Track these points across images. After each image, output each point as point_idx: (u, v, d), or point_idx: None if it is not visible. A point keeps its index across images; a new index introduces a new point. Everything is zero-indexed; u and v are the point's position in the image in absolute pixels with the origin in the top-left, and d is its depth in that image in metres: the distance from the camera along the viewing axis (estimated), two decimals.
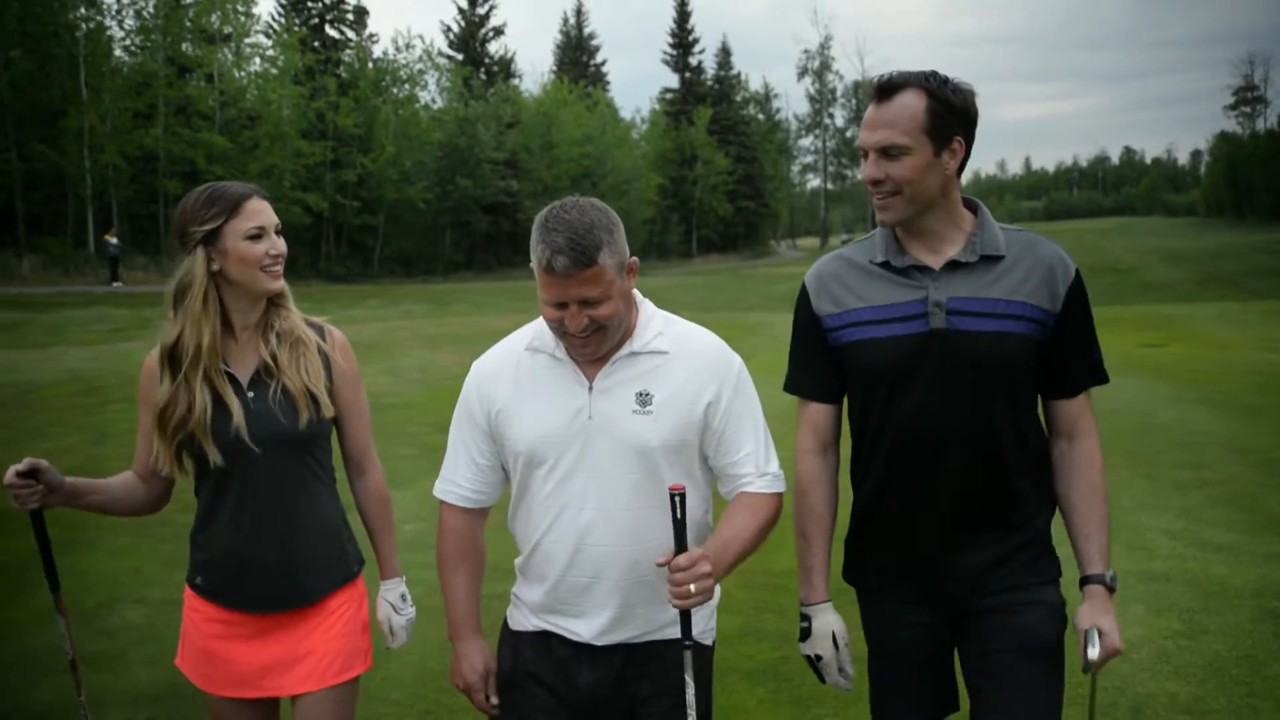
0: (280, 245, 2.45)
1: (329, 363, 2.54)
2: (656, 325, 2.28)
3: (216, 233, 2.38)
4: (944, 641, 2.37)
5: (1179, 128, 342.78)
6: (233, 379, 2.45)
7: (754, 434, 2.30)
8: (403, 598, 2.63)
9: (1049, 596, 2.29)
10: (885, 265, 2.29)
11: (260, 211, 2.42)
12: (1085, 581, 2.27)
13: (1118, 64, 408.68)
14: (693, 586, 2.02)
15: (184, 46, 36.58)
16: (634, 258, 2.21)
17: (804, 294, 2.41)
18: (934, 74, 2.19)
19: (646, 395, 2.21)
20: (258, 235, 2.40)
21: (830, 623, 2.39)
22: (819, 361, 2.39)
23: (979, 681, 2.29)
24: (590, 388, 2.22)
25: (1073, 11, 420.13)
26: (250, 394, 2.44)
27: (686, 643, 2.11)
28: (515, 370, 2.31)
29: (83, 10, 34.59)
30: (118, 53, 34.64)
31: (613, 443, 2.20)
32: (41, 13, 32.78)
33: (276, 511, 2.46)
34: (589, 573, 2.24)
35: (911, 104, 2.15)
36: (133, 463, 2.57)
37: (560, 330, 2.17)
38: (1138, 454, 8.46)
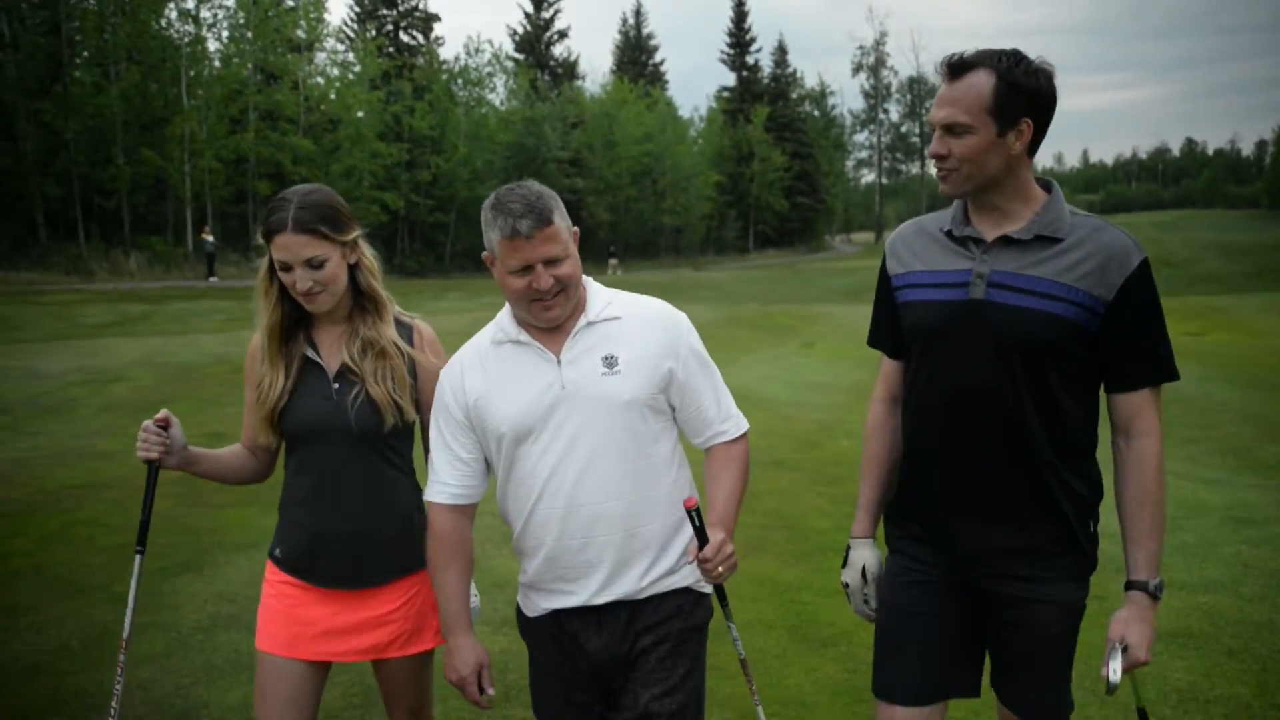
0: (305, 281, 2.47)
1: (415, 364, 2.60)
2: (605, 296, 2.43)
3: (267, 244, 2.51)
4: (960, 614, 2.39)
5: (1244, 117, 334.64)
6: (320, 368, 2.57)
7: (710, 382, 2.47)
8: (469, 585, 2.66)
9: (1062, 594, 2.29)
10: (949, 234, 2.34)
11: (287, 247, 2.45)
12: (1128, 586, 2.26)
13: (1180, 52, 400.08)
14: (722, 567, 2.25)
15: (271, 56, 38.63)
16: (575, 228, 2.37)
17: (884, 254, 2.53)
18: (1010, 53, 2.19)
19: (612, 358, 2.34)
20: (285, 268, 2.48)
21: (864, 557, 2.53)
22: (889, 318, 2.49)
23: (994, 674, 2.41)
24: (558, 361, 2.35)
25: (1136, 1, 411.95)
26: (336, 385, 2.54)
27: (725, 603, 2.49)
28: (484, 363, 2.41)
29: (181, 26, 36.91)
30: (214, 63, 36.73)
31: (588, 406, 2.32)
32: (149, 29, 35.10)
33: (350, 496, 2.55)
34: (581, 533, 2.34)
35: (979, 83, 2.16)
36: (242, 437, 2.72)
37: (528, 295, 2.28)
38: None
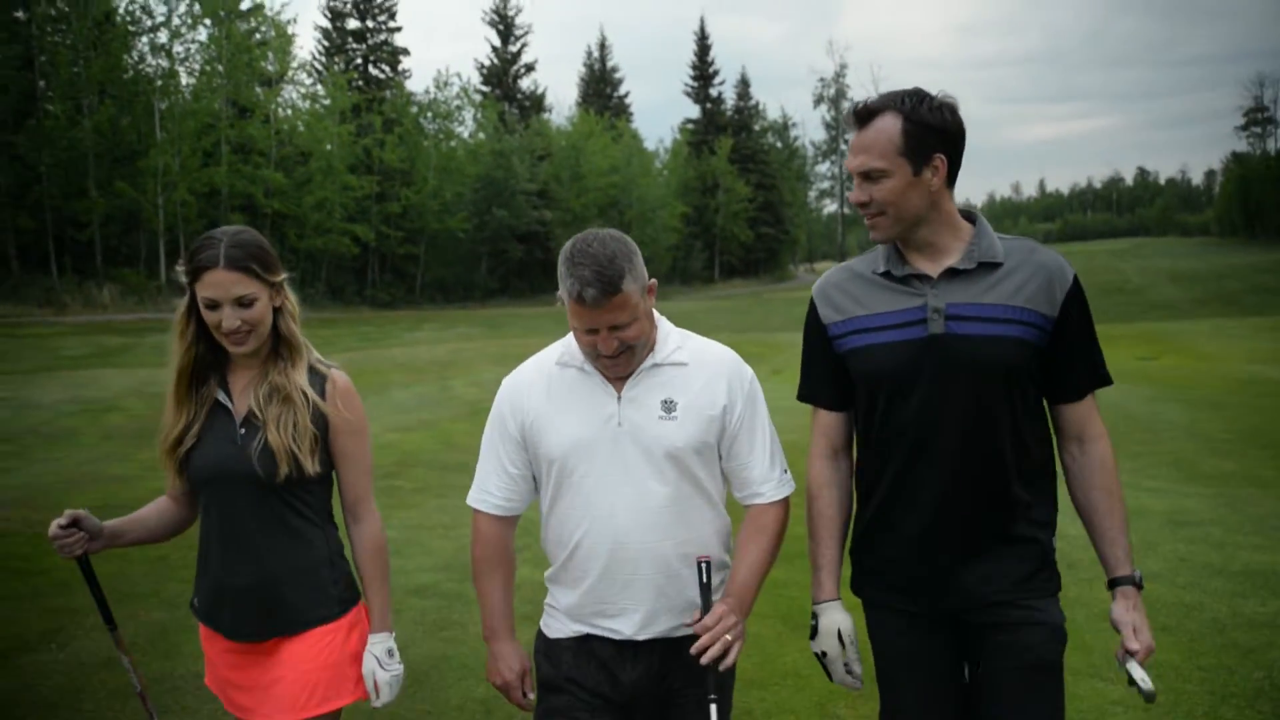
0: (232, 321, 2.39)
1: (323, 415, 2.50)
2: (675, 340, 2.41)
3: (191, 285, 2.42)
4: (948, 653, 2.37)
5: (1193, 147, 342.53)
6: (227, 411, 2.49)
7: (763, 439, 2.42)
8: (389, 653, 2.54)
9: (1050, 616, 2.29)
10: (886, 275, 2.32)
11: (215, 284, 2.37)
12: (1114, 583, 2.29)
13: (1132, 84, 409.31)
14: (727, 637, 2.17)
15: (243, 90, 39.02)
16: (652, 279, 2.34)
17: (811, 304, 2.46)
18: (912, 94, 2.22)
19: (671, 402, 2.34)
20: (212, 305, 2.39)
21: (836, 621, 2.40)
22: (827, 369, 2.43)
23: (983, 700, 2.31)
24: (619, 397, 2.35)
25: (1089, 32, 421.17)
26: (242, 430, 2.46)
27: (712, 697, 2.19)
28: (547, 384, 2.42)
29: (153, 60, 37.28)
30: (186, 97, 37.09)
31: (642, 447, 2.32)
32: (120, 63, 35.53)
33: (249, 545, 2.48)
34: (626, 570, 2.35)
35: (887, 128, 2.19)
36: (165, 485, 2.64)
37: (593, 354, 2.30)
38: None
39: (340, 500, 2.60)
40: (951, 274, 2.26)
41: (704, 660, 2.16)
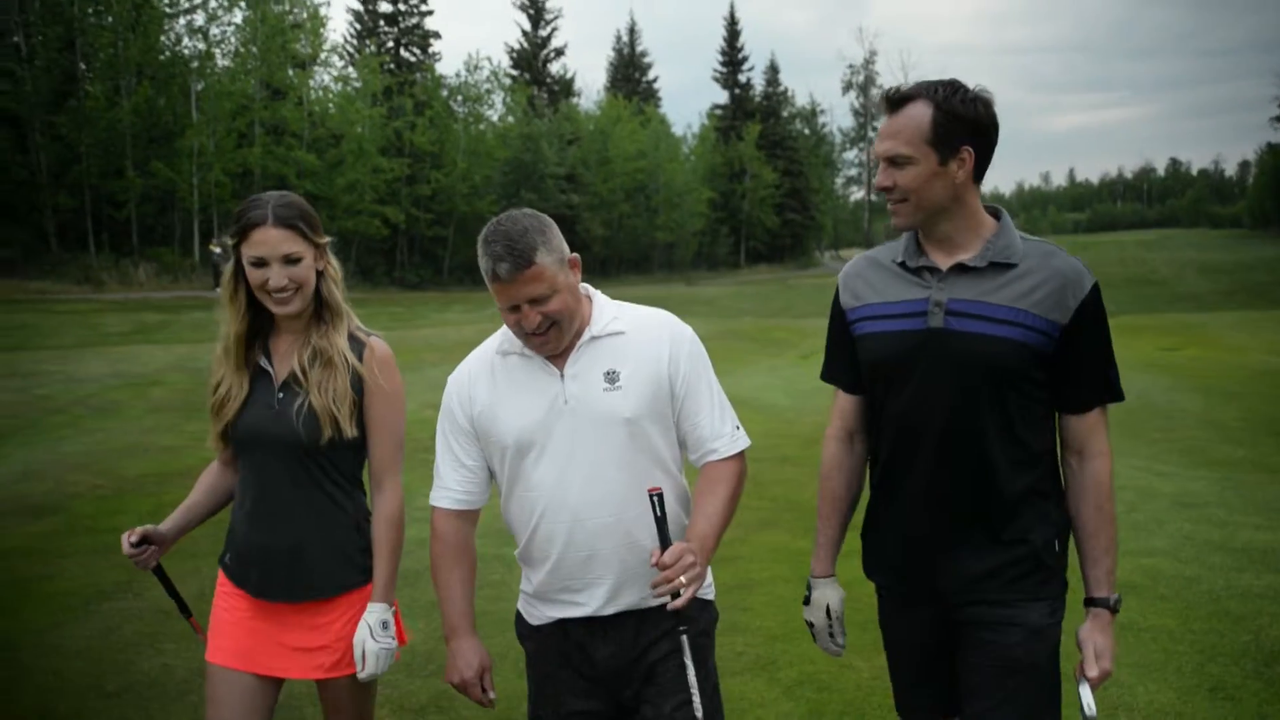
0: (279, 278, 2.43)
1: (361, 380, 2.53)
2: (611, 311, 2.41)
3: (237, 247, 2.47)
4: (936, 638, 2.41)
5: (1228, 138, 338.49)
6: (267, 376, 2.53)
7: (709, 398, 2.41)
8: (384, 625, 2.52)
9: (1031, 618, 2.26)
10: (902, 265, 2.34)
11: (264, 242, 2.41)
12: (1089, 603, 2.28)
13: (1166, 72, 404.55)
14: (684, 578, 2.11)
15: (277, 72, 39.53)
16: (574, 254, 2.34)
17: (836, 289, 2.51)
18: (947, 84, 2.21)
19: (614, 373, 2.33)
20: (259, 264, 2.43)
21: (827, 596, 2.52)
22: (845, 352, 2.47)
23: (963, 695, 2.36)
24: (561, 375, 2.34)
25: (1123, 19, 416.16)
26: (280, 394, 2.50)
27: (682, 628, 2.17)
28: (490, 373, 2.42)
29: (189, 42, 37.92)
30: (221, 79, 37.63)
31: (591, 421, 2.32)
32: (158, 45, 36.13)
33: (284, 508, 2.51)
34: (587, 547, 2.34)
35: (917, 115, 2.19)
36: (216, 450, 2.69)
37: (520, 332, 2.29)
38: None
39: (369, 468, 2.65)
40: (961, 269, 2.26)
41: (655, 594, 2.16)
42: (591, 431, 2.32)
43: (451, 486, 2.46)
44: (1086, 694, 2.19)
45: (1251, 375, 15.67)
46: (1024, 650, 2.26)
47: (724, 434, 2.42)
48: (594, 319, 2.38)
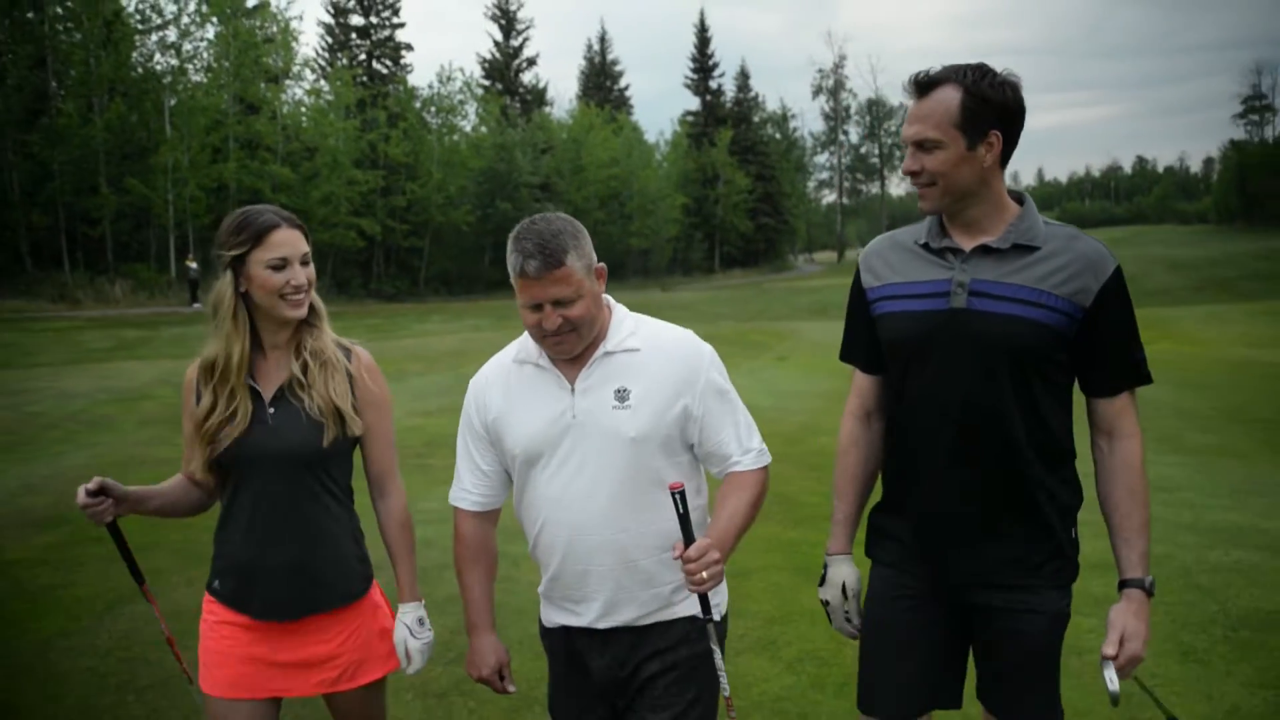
0: (301, 277, 2.45)
1: (354, 385, 2.55)
2: (629, 326, 2.38)
3: (242, 259, 2.42)
4: (944, 628, 2.38)
5: (1192, 136, 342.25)
6: (257, 394, 2.49)
7: (732, 416, 2.40)
8: (420, 622, 2.60)
9: (1051, 605, 2.29)
10: (925, 246, 2.33)
11: (284, 243, 2.43)
12: (1123, 584, 2.26)
13: (1131, 72, 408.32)
14: (705, 573, 2.13)
15: (250, 86, 39.55)
16: (601, 264, 2.32)
17: (857, 269, 2.49)
18: (976, 67, 2.20)
19: (624, 391, 2.31)
20: (279, 266, 2.42)
21: (844, 574, 2.51)
22: (864, 332, 2.47)
23: (986, 682, 2.38)
24: (572, 389, 2.33)
25: (1088, 22, 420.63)
26: (271, 410, 2.48)
27: (708, 617, 2.24)
28: (505, 381, 2.43)
29: (161, 58, 37.98)
30: (194, 94, 37.62)
31: (596, 438, 2.31)
32: (129, 61, 36.17)
33: (286, 523, 2.49)
34: (582, 562, 2.36)
35: (946, 99, 2.17)
36: (182, 467, 2.62)
37: (539, 332, 2.28)
38: None
39: (366, 476, 2.65)
40: (984, 251, 2.26)
41: (691, 589, 2.18)
42: (596, 448, 2.32)
43: (470, 490, 2.51)
44: (1111, 674, 2.17)
45: (1223, 367, 16.16)
46: (1047, 639, 2.30)
47: (752, 449, 2.42)
48: (611, 333, 2.36)
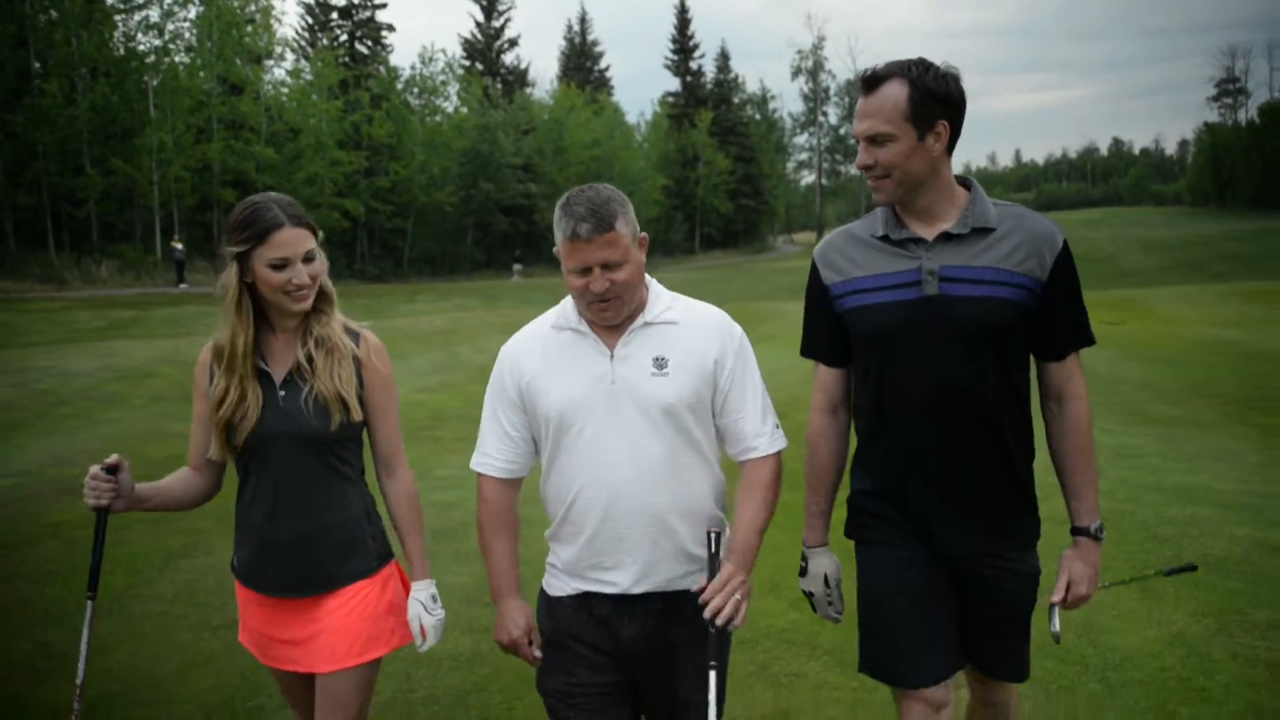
0: (303, 275, 2.46)
1: (361, 368, 2.58)
2: (666, 300, 2.46)
3: (246, 255, 2.45)
4: (943, 592, 2.46)
5: (1167, 118, 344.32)
6: (267, 376, 2.53)
7: (754, 394, 2.47)
8: (433, 598, 2.64)
9: (1030, 564, 2.47)
10: (884, 239, 2.38)
11: (286, 243, 2.43)
12: (1075, 532, 2.44)
13: (1106, 54, 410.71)
14: (737, 596, 2.21)
15: (233, 67, 39.60)
16: (644, 234, 2.40)
17: (813, 265, 2.53)
18: (918, 62, 2.28)
19: (662, 359, 2.38)
20: (280, 265, 2.44)
21: (824, 564, 2.59)
22: (827, 327, 2.52)
23: (976, 639, 2.50)
24: (611, 355, 2.39)
25: (1061, 2, 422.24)
26: (282, 392, 2.51)
27: (713, 663, 2.21)
28: (543, 346, 2.47)
29: (144, 38, 37.99)
30: (178, 74, 37.62)
31: (635, 403, 2.37)
32: (111, 41, 36.24)
33: (296, 502, 2.53)
34: (622, 525, 2.39)
35: (894, 94, 2.25)
36: (188, 452, 2.65)
37: (584, 296, 2.33)
38: None
39: (374, 456, 2.69)
40: (946, 238, 2.33)
41: (718, 622, 2.20)
42: (634, 413, 2.37)
43: (495, 455, 2.52)
44: (1055, 616, 2.39)
45: (1189, 345, 16.77)
46: (1027, 595, 2.48)
47: (765, 432, 2.46)
48: (650, 305, 2.43)
